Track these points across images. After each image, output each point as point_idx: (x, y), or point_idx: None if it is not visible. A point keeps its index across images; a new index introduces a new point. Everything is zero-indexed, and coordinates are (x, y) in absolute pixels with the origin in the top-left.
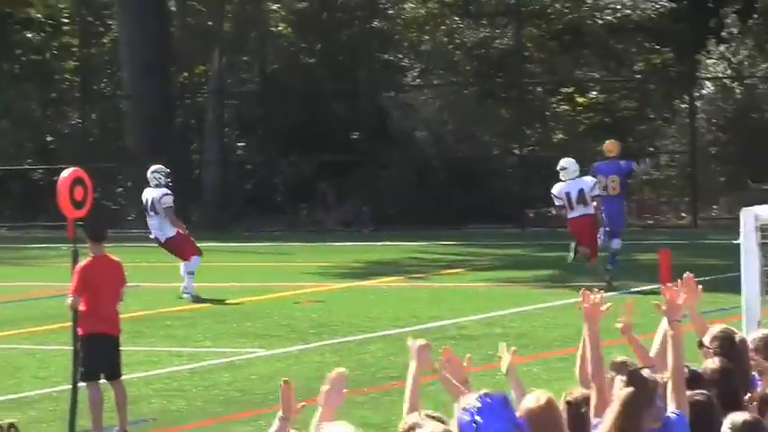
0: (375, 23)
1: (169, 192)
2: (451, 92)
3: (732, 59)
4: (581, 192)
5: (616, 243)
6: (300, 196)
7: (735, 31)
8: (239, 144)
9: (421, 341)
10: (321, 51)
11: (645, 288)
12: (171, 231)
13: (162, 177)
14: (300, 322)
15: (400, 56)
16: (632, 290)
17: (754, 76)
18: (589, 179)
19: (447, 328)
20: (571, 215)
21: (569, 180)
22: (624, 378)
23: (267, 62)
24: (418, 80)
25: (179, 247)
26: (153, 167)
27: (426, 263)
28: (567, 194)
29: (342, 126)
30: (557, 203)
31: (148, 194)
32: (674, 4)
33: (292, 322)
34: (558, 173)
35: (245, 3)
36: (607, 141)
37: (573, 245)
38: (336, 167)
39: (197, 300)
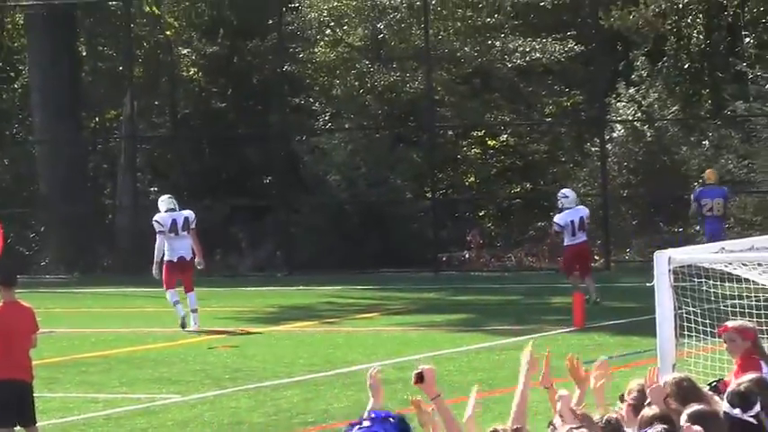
0: (286, 68)
1: None
2: (363, 136)
3: (642, 102)
4: (582, 219)
5: None
6: (214, 241)
7: (644, 73)
8: (152, 189)
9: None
10: (232, 95)
11: (559, 331)
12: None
13: (175, 201)
14: (215, 368)
15: (311, 100)
16: (546, 333)
17: (665, 118)
18: (584, 208)
19: (361, 372)
20: (572, 241)
21: (570, 209)
22: None
23: (178, 106)
24: (330, 124)
25: (193, 270)
26: (165, 195)
27: (340, 307)
28: (572, 222)
29: (254, 170)
30: (556, 230)
31: (177, 215)
32: (582, 48)
33: (207, 368)
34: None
35: (156, 47)
36: (707, 170)
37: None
38: (249, 212)
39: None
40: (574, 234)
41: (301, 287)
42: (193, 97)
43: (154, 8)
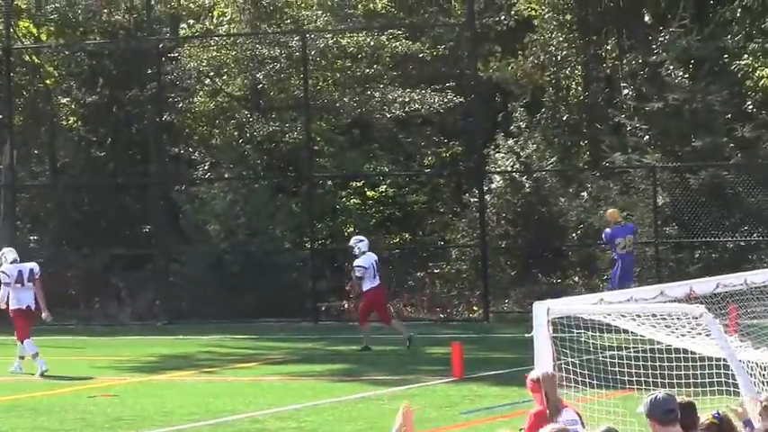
0: (165, 117)
1: None
2: (242, 185)
3: (521, 153)
4: (377, 263)
5: None
6: (93, 289)
7: (523, 125)
8: (31, 237)
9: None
10: (111, 144)
11: (438, 381)
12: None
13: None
14: (95, 416)
15: (191, 149)
16: (425, 383)
17: (543, 169)
18: (374, 254)
19: (241, 422)
20: (372, 285)
21: (366, 253)
22: None
23: (58, 155)
24: (209, 174)
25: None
26: (7, 248)
27: (220, 356)
28: (372, 265)
29: (133, 219)
30: (359, 274)
31: (22, 267)
32: (462, 99)
33: (87, 416)
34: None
35: (36, 96)
36: (610, 211)
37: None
38: (128, 261)
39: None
40: (374, 277)
41: (181, 336)
42: (73, 146)
43: (33, 57)
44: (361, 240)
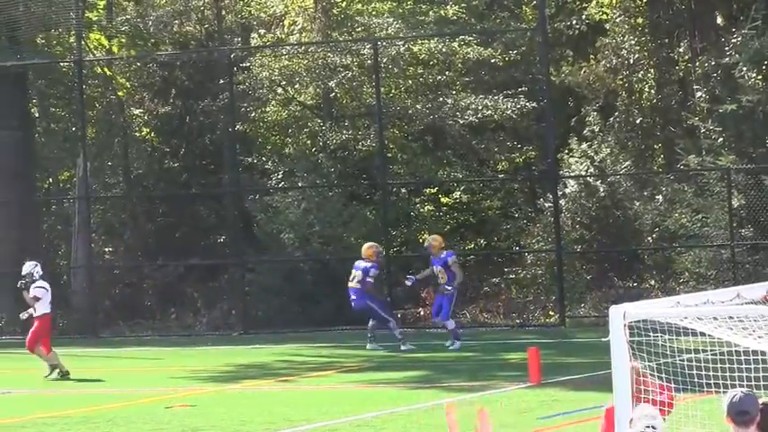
0: (238, 127)
1: None
2: (316, 194)
3: (594, 157)
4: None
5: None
6: (169, 300)
7: (596, 129)
8: (106, 249)
9: None
10: (185, 155)
11: (515, 387)
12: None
13: None
14: (172, 427)
15: (264, 159)
16: (502, 389)
17: (617, 173)
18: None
19: (318, 430)
20: (47, 311)
21: (42, 278)
22: None
23: (131, 166)
24: (283, 183)
25: None
26: None
27: (296, 365)
28: (50, 291)
29: (208, 229)
30: (39, 295)
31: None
32: (534, 104)
33: (164, 427)
34: None
35: (108, 108)
36: (433, 237)
37: None
38: (203, 271)
39: None
40: (50, 302)
41: (257, 345)
42: (146, 157)
43: (105, 69)
44: (36, 265)
